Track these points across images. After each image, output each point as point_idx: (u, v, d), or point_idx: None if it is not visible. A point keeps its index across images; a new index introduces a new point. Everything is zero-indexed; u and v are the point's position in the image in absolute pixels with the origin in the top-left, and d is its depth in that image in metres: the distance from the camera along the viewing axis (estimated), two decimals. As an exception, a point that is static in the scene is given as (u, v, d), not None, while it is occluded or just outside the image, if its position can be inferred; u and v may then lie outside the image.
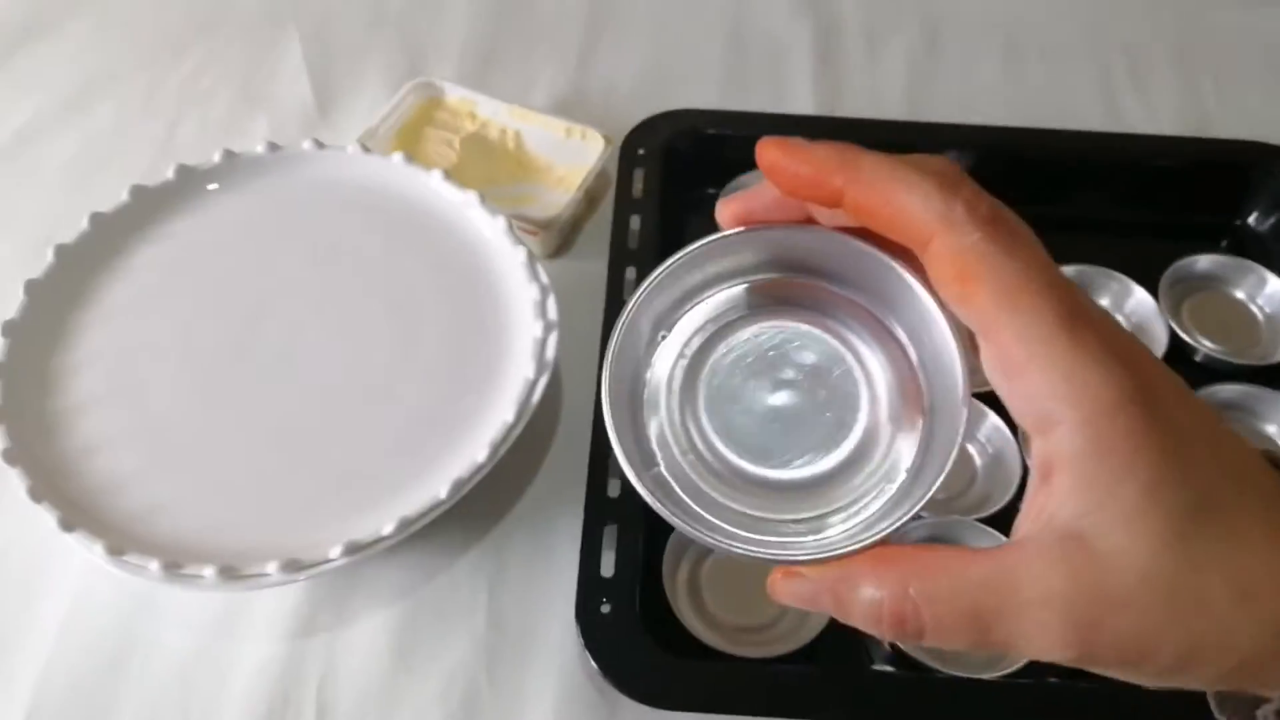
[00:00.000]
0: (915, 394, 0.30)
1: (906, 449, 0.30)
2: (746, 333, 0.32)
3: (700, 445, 0.31)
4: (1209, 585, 0.24)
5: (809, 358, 0.31)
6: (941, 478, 0.28)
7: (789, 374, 0.31)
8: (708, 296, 0.32)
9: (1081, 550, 0.24)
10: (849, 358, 0.31)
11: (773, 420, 0.31)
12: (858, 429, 0.30)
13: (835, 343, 0.31)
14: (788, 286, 0.32)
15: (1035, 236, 0.27)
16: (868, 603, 0.27)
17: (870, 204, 0.27)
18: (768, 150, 0.28)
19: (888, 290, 0.30)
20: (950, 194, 0.26)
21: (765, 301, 0.32)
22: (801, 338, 0.32)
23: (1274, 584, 0.24)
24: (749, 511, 0.30)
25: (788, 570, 0.28)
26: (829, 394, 0.31)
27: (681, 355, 0.32)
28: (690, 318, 0.32)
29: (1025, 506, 0.27)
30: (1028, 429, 0.26)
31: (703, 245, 0.31)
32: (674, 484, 0.30)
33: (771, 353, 0.31)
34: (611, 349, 0.31)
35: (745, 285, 0.32)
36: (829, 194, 0.28)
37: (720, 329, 0.32)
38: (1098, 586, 0.24)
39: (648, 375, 0.32)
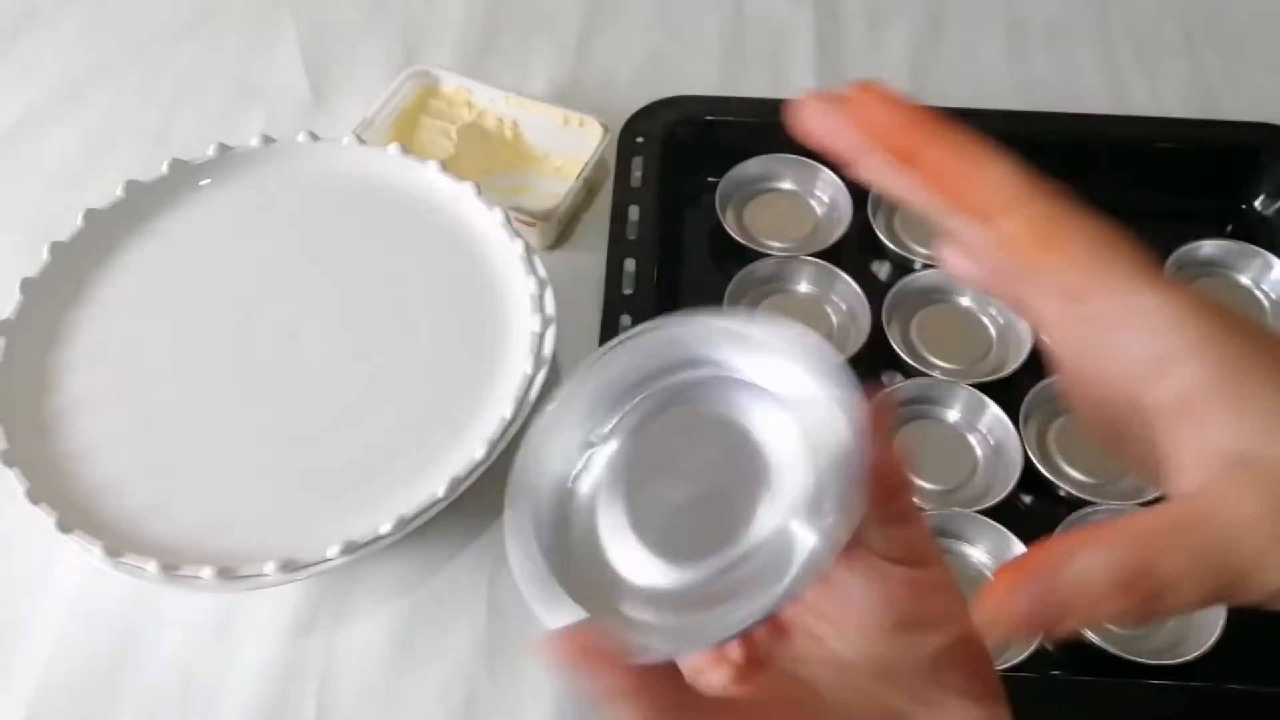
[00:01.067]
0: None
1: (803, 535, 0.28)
2: (655, 430, 0.30)
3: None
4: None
5: (713, 449, 0.30)
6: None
7: (692, 467, 0.30)
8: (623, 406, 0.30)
9: (1270, 468, 0.24)
10: (754, 439, 0.29)
11: (683, 515, 0.29)
12: (762, 518, 0.28)
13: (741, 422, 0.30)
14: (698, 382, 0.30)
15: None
16: (1097, 576, 0.24)
17: (947, 170, 0.27)
18: (859, 94, 0.28)
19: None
20: (1023, 172, 0.27)
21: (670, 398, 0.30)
22: (709, 425, 0.30)
23: None
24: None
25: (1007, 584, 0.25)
26: (734, 482, 0.29)
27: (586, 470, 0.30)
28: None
29: (1173, 453, 0.25)
30: (1136, 378, 0.25)
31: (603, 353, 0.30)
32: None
33: (677, 444, 0.30)
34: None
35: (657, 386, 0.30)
36: (901, 148, 0.28)
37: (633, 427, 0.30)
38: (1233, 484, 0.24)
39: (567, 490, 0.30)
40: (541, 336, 0.54)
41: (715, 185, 0.69)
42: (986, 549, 0.54)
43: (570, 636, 0.25)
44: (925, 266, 0.66)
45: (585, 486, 0.30)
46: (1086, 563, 0.24)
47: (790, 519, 0.28)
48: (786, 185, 0.71)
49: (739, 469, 0.29)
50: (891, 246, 0.67)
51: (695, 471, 0.30)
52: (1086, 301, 0.26)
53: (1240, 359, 0.24)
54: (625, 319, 0.60)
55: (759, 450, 0.29)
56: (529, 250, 0.57)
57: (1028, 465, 0.56)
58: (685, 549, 0.29)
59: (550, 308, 0.55)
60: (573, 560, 0.29)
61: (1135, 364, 0.25)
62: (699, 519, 0.29)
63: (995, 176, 0.27)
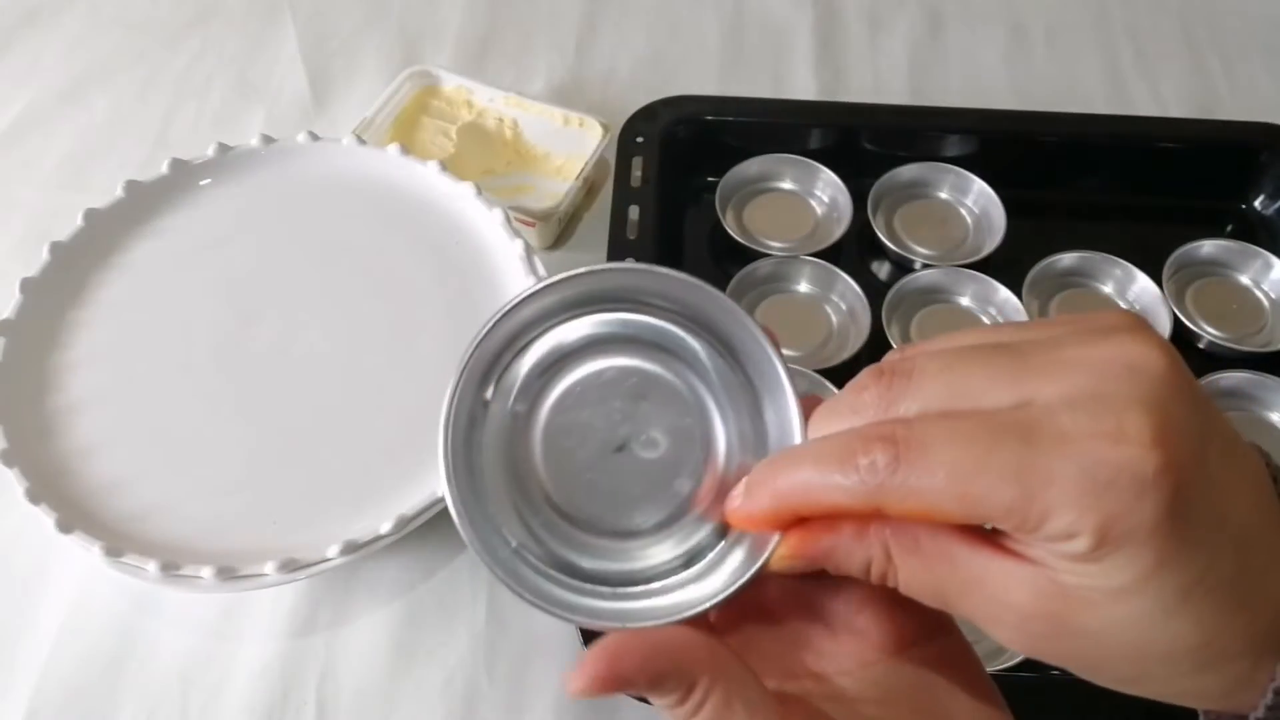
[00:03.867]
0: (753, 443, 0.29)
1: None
2: (583, 371, 0.30)
3: (542, 505, 0.29)
4: (1174, 644, 0.24)
5: (649, 394, 0.30)
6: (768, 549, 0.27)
7: (630, 412, 0.30)
8: (537, 337, 0.30)
9: (1059, 593, 0.24)
10: (690, 399, 0.30)
11: (615, 462, 0.29)
12: (693, 476, 0.29)
13: (679, 382, 0.30)
14: (628, 322, 0.30)
15: (978, 376, 0.25)
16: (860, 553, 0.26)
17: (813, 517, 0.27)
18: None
19: (732, 334, 0.30)
20: (851, 467, 0.25)
21: (604, 338, 0.30)
22: (642, 377, 0.30)
23: (1239, 648, 0.24)
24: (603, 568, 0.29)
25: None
26: (669, 435, 0.29)
27: (516, 405, 0.30)
28: (523, 362, 0.30)
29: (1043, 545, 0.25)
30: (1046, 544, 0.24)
31: (532, 291, 0.29)
32: (530, 556, 0.29)
33: (615, 387, 0.30)
34: (446, 420, 0.28)
35: (579, 320, 0.30)
36: (782, 527, 0.27)
37: (557, 368, 0.30)
38: (1061, 619, 0.24)
39: (482, 435, 0.29)
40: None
41: (715, 185, 0.69)
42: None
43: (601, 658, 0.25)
44: (925, 266, 0.66)
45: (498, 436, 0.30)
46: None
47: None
48: (786, 185, 0.71)
49: (673, 425, 0.29)
50: (891, 246, 0.67)
51: (627, 419, 0.30)
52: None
53: (1128, 531, 0.23)
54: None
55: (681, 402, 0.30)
56: (529, 250, 0.57)
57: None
58: (615, 501, 0.29)
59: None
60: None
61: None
62: (628, 472, 0.29)
63: (832, 489, 0.25)
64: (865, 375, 0.26)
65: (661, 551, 0.29)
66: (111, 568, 0.48)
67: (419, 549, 0.56)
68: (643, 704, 0.46)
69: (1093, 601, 0.23)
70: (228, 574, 0.47)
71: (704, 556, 0.29)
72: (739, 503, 0.28)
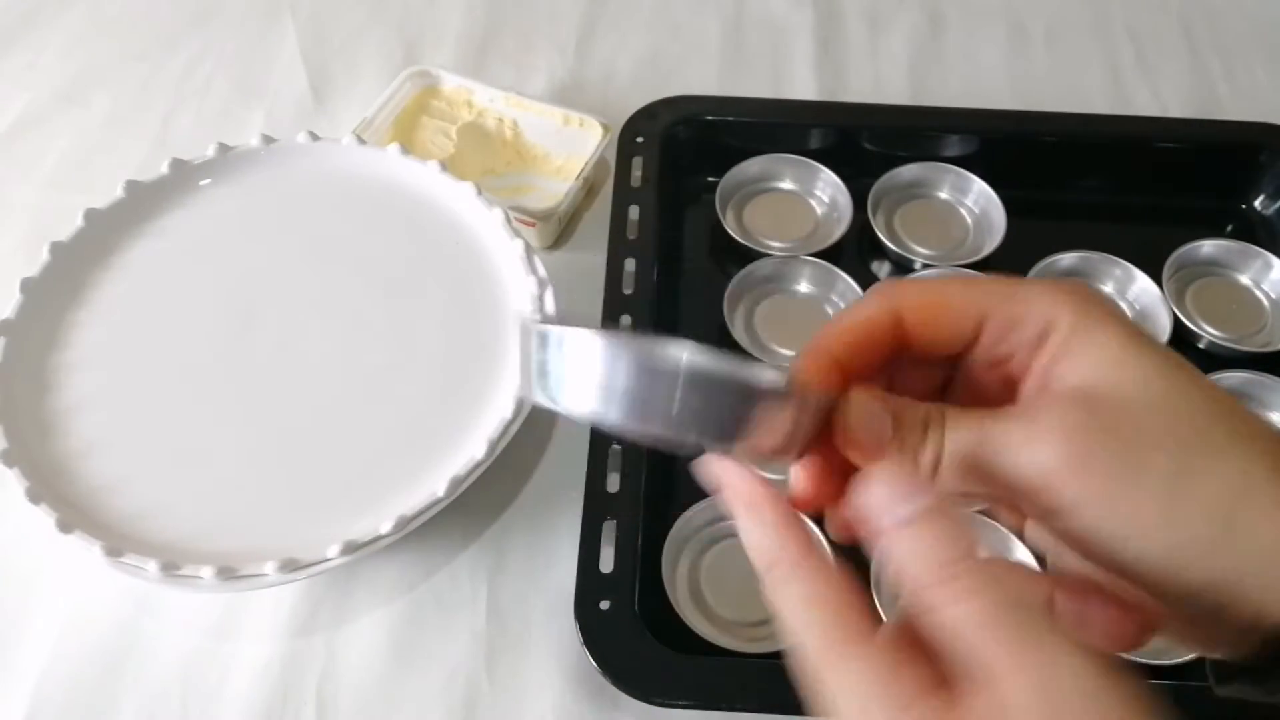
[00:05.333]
0: None
1: None
2: None
3: None
4: (1191, 399, 0.27)
5: None
6: None
7: None
8: None
9: (1079, 386, 0.28)
10: None
11: None
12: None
13: None
14: None
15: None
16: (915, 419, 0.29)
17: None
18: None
19: None
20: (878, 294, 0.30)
21: None
22: None
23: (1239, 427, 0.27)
24: None
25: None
26: None
27: None
28: None
29: (1029, 372, 0.29)
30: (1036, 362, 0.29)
31: None
32: None
33: None
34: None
35: None
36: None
37: None
38: (1091, 401, 0.27)
39: None
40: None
41: (715, 185, 0.69)
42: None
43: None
44: (925, 266, 0.66)
45: None
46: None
47: None
48: (786, 185, 0.71)
49: None
50: (891, 246, 0.67)
51: None
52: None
53: (1098, 316, 0.28)
54: (625, 319, 0.60)
55: None
56: (529, 250, 0.57)
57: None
58: None
59: (550, 308, 0.55)
60: None
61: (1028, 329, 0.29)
62: None
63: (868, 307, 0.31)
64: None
65: None
66: (111, 568, 0.48)
67: (419, 549, 0.56)
68: (643, 704, 0.46)
69: (1106, 373, 0.27)
70: (228, 574, 0.47)
71: None
72: (796, 363, 0.30)
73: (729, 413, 0.26)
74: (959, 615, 0.23)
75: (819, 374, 0.29)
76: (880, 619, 0.25)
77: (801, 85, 0.80)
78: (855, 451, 0.29)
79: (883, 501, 0.25)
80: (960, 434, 0.28)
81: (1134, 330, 0.28)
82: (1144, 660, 0.49)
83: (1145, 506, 0.26)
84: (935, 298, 0.30)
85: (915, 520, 0.25)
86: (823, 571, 0.26)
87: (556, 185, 0.68)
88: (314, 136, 0.61)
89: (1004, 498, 0.29)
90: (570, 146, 0.70)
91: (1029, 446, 0.27)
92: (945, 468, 0.28)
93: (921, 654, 0.24)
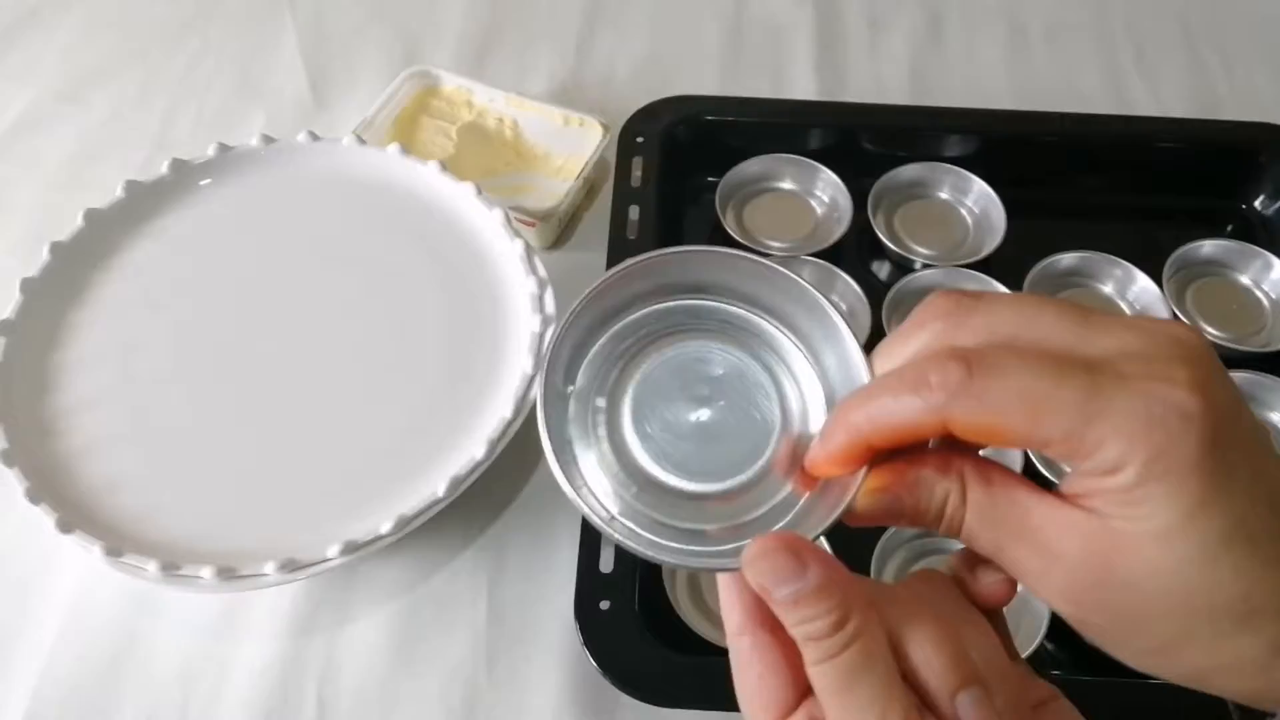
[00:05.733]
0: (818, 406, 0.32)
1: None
2: (667, 352, 0.33)
3: (633, 468, 0.31)
4: (1214, 593, 0.25)
5: (722, 371, 0.32)
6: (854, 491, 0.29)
7: (706, 390, 0.32)
8: (616, 325, 0.33)
9: (1105, 533, 0.26)
10: (761, 372, 0.32)
11: (696, 435, 0.32)
12: (773, 440, 0.31)
13: (748, 358, 0.33)
14: (699, 308, 0.33)
15: (1046, 318, 0.27)
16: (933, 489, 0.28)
17: (892, 444, 0.28)
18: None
19: (798, 311, 0.32)
20: (923, 387, 0.27)
21: (680, 321, 0.33)
22: (715, 354, 0.33)
23: (1277, 605, 0.25)
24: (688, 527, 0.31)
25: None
26: (745, 407, 0.32)
27: (595, 395, 0.32)
28: (595, 352, 0.33)
29: (1079, 472, 0.27)
30: (1093, 477, 0.26)
31: (613, 275, 0.32)
32: (631, 524, 0.30)
33: (690, 369, 0.32)
34: (540, 395, 0.31)
35: (659, 307, 0.33)
36: (860, 460, 0.29)
37: (638, 350, 0.33)
38: (1105, 561, 0.26)
39: (570, 413, 0.32)
40: (541, 336, 0.54)
41: (715, 185, 0.69)
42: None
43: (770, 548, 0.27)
44: (925, 266, 0.66)
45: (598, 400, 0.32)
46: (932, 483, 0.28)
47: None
48: (786, 185, 0.71)
49: (747, 397, 0.32)
50: (891, 246, 0.67)
51: (704, 396, 0.32)
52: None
53: (1170, 464, 0.25)
54: (625, 319, 0.60)
55: (766, 379, 0.32)
56: (529, 250, 0.57)
57: (1027, 463, 0.56)
58: (701, 469, 0.31)
59: (550, 308, 0.55)
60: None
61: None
62: (710, 443, 0.31)
63: (904, 409, 0.27)
64: (937, 295, 0.29)
65: (747, 512, 0.31)
66: (111, 568, 0.48)
67: (419, 549, 0.56)
68: (642, 704, 0.46)
69: (1139, 545, 0.25)
70: (228, 574, 0.47)
71: (789, 512, 0.31)
72: (816, 447, 0.29)
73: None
74: (813, 674, 0.27)
75: (847, 463, 0.29)
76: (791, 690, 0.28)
77: (801, 85, 0.80)
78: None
79: (769, 579, 0.27)
80: (986, 537, 0.28)
81: (1207, 490, 0.25)
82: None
83: (1129, 655, 0.27)
84: (993, 422, 0.26)
85: (797, 600, 0.27)
86: (746, 652, 0.29)
87: (556, 185, 0.68)
88: (314, 136, 0.61)
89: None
90: (570, 146, 0.70)
91: (1044, 577, 0.27)
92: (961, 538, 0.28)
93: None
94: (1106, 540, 0.26)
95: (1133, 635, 0.27)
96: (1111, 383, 0.25)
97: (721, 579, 0.30)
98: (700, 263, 0.33)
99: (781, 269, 0.32)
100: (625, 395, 0.32)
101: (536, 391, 0.31)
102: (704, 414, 0.32)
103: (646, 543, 0.30)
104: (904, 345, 0.29)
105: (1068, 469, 0.27)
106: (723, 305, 0.33)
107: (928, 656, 0.27)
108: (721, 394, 0.32)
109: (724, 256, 0.32)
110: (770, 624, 0.29)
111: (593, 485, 0.31)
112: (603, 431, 0.32)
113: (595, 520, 0.30)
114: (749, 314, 0.33)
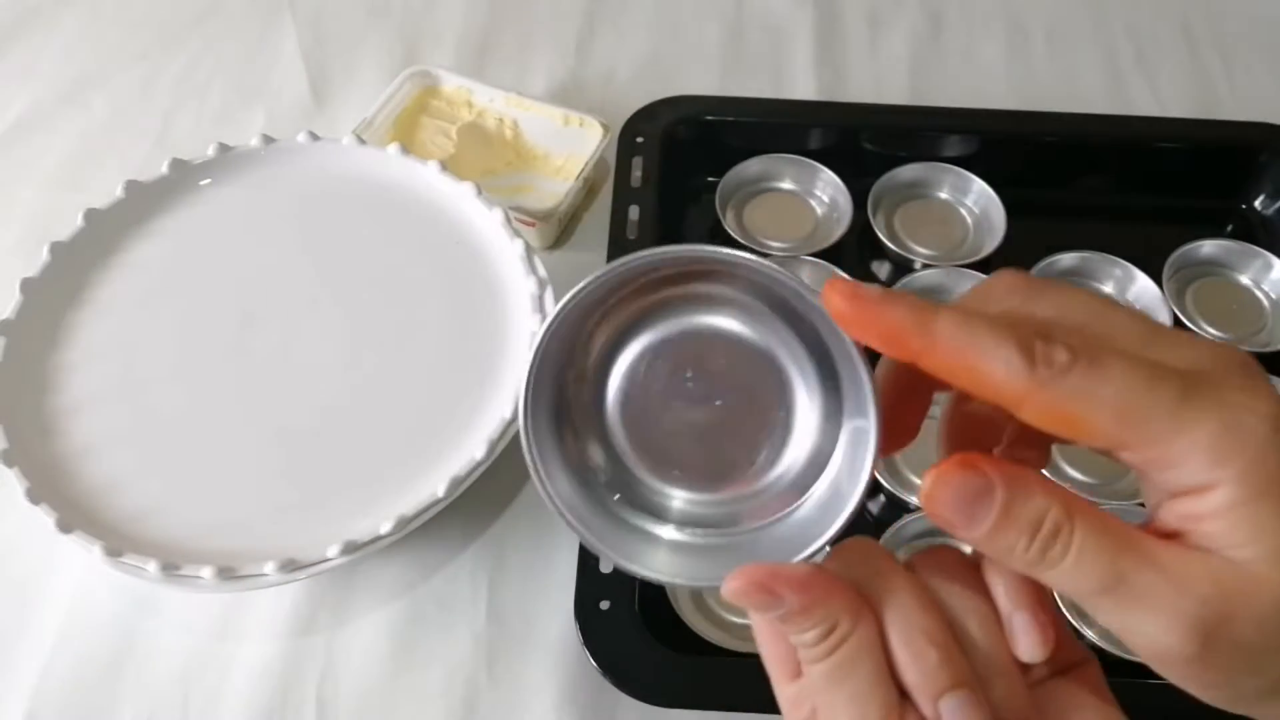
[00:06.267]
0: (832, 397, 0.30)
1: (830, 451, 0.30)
2: (659, 336, 0.31)
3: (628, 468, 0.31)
4: None
5: (725, 363, 0.31)
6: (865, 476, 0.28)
7: (704, 382, 0.31)
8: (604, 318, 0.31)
9: (1230, 567, 0.25)
10: (767, 360, 0.30)
11: (693, 434, 0.31)
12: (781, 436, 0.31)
13: (755, 339, 0.31)
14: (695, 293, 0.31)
15: (1118, 318, 0.27)
16: (1034, 510, 0.26)
17: (952, 372, 0.26)
18: (834, 298, 0.26)
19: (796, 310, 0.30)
20: (1029, 353, 0.25)
21: (676, 306, 0.31)
22: (715, 339, 0.31)
23: None
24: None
25: (961, 462, 0.26)
26: (749, 399, 0.31)
27: (594, 383, 0.31)
28: (596, 342, 0.31)
29: (1168, 501, 0.26)
30: (1184, 502, 0.26)
31: (612, 272, 0.29)
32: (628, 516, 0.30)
33: (688, 359, 0.31)
34: (524, 397, 0.29)
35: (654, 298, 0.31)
36: (903, 353, 0.26)
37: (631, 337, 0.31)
38: (1236, 597, 0.24)
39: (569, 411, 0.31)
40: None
41: (715, 185, 0.69)
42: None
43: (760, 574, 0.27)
44: (925, 266, 0.66)
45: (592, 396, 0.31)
46: (1035, 501, 0.26)
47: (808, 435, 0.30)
48: (786, 185, 0.71)
49: (750, 389, 0.30)
50: (891, 246, 0.67)
51: (706, 392, 0.31)
52: (1128, 454, 0.25)
53: (1269, 483, 0.24)
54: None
55: (765, 368, 0.30)
56: (529, 250, 0.57)
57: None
58: (707, 471, 0.31)
59: (550, 308, 0.55)
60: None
61: (1183, 489, 0.25)
62: (716, 441, 0.31)
63: (999, 373, 0.25)
64: (1004, 271, 0.28)
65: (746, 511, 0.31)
66: (111, 568, 0.48)
67: (419, 549, 0.56)
68: (642, 704, 0.46)
69: (1261, 573, 0.24)
70: (228, 574, 0.47)
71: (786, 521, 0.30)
72: (868, 295, 0.26)
73: None
74: (805, 671, 0.29)
75: (884, 338, 0.26)
76: None
77: (801, 85, 0.80)
78: (940, 524, 0.27)
79: (753, 605, 0.28)
80: (1095, 565, 0.25)
81: None
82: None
83: (1238, 696, 0.26)
84: (1082, 414, 0.25)
85: (784, 620, 0.28)
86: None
87: (556, 185, 0.68)
88: (314, 136, 0.61)
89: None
90: (570, 146, 0.70)
91: (1157, 623, 0.25)
92: (1047, 581, 0.26)
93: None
94: (1229, 573, 0.24)
95: (1250, 674, 0.25)
96: (1202, 393, 0.24)
97: None
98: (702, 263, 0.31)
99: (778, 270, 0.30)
100: (619, 385, 0.31)
101: (521, 386, 0.29)
102: (700, 413, 0.31)
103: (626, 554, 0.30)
104: (984, 305, 0.28)
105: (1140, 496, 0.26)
106: (729, 290, 0.31)
107: (917, 653, 0.27)
108: (722, 390, 0.31)
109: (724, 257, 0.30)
110: None
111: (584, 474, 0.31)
112: (598, 423, 0.31)
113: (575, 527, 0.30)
114: (754, 300, 0.30)
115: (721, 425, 0.31)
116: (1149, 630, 0.25)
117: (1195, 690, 0.26)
